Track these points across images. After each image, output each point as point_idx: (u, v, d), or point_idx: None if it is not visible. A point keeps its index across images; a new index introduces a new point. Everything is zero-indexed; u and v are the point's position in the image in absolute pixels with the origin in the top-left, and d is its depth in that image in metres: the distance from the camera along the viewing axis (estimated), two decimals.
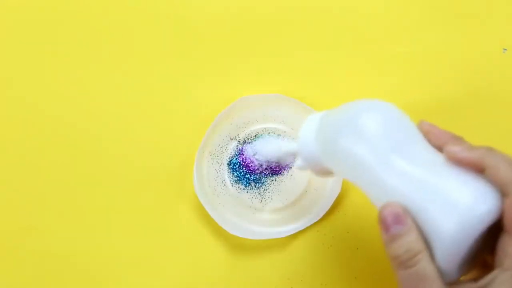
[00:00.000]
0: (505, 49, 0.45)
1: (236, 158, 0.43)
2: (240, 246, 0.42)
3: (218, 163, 0.43)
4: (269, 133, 0.44)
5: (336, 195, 0.42)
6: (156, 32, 0.46)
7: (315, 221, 0.42)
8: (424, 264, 0.26)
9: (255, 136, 0.44)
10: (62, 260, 0.43)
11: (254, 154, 0.43)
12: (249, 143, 0.44)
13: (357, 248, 0.42)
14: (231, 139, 0.44)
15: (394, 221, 0.27)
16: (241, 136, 0.44)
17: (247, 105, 0.44)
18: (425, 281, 0.26)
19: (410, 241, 0.27)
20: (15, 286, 0.43)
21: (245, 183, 0.43)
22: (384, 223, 0.28)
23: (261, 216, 0.43)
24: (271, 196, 0.43)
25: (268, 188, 0.43)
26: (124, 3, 0.47)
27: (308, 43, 0.46)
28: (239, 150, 0.43)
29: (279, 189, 0.43)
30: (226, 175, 0.43)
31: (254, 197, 0.43)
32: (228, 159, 0.43)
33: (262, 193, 0.43)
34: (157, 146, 0.44)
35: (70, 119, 0.45)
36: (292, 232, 0.41)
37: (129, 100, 0.45)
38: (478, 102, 0.45)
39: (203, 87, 0.45)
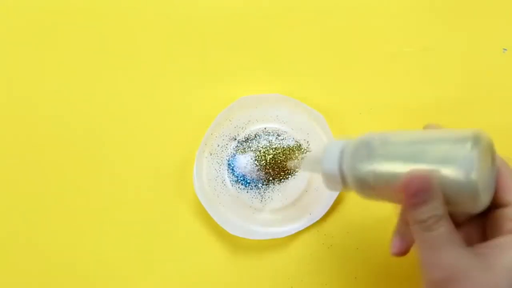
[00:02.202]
0: (505, 49, 0.45)
1: (235, 160, 0.43)
2: (240, 246, 0.42)
3: (218, 163, 0.43)
4: (269, 133, 0.44)
5: (336, 195, 0.42)
6: (155, 32, 0.46)
7: (315, 221, 0.42)
8: (445, 227, 0.28)
9: (255, 135, 0.44)
10: (61, 260, 0.43)
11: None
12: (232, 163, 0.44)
13: (357, 248, 0.42)
14: (231, 139, 0.44)
15: (420, 187, 0.27)
16: (241, 136, 0.44)
17: (247, 105, 0.44)
18: (444, 242, 0.28)
19: (435, 207, 0.27)
20: (15, 286, 0.43)
21: (245, 183, 0.43)
22: (409, 189, 0.28)
23: (261, 216, 0.43)
24: (271, 196, 0.43)
25: (268, 188, 0.43)
26: (124, 4, 0.47)
27: (308, 43, 0.46)
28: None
29: (279, 189, 0.43)
30: (226, 175, 0.43)
31: (254, 197, 0.43)
32: (228, 159, 0.43)
33: (262, 193, 0.43)
34: (157, 146, 0.44)
35: (71, 118, 0.45)
36: (292, 232, 0.41)
37: (129, 101, 0.45)
38: (478, 102, 0.45)
39: (203, 87, 0.45)
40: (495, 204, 0.29)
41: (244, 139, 0.44)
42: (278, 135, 0.44)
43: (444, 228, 0.28)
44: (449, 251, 0.27)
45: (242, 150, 0.43)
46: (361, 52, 0.46)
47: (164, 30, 0.46)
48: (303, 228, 0.42)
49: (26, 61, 0.46)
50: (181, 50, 0.46)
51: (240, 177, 0.43)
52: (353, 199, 0.43)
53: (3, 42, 0.47)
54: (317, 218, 0.42)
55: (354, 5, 0.46)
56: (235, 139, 0.44)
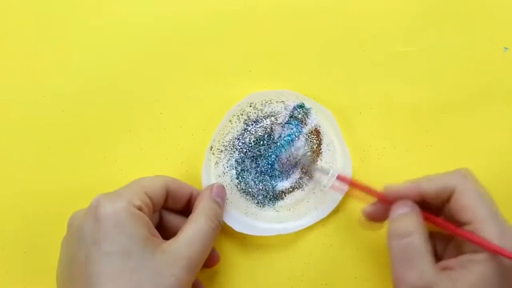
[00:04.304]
0: (506, 48, 0.45)
1: (248, 156, 0.44)
2: (240, 245, 0.43)
3: (226, 160, 0.44)
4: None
5: (342, 195, 0.42)
6: (163, 29, 0.46)
7: (318, 219, 0.42)
8: (416, 239, 0.32)
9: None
10: None
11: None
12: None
13: (357, 248, 0.42)
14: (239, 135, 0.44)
15: (401, 204, 0.34)
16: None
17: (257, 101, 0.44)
18: (415, 252, 0.32)
19: (410, 221, 0.33)
20: (16, 286, 0.43)
21: (251, 181, 0.44)
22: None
23: (265, 213, 0.43)
24: (278, 194, 0.43)
25: (275, 185, 0.43)
26: (126, 3, 0.47)
27: (308, 43, 0.46)
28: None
29: (286, 186, 0.43)
30: (234, 171, 0.44)
31: (260, 194, 0.43)
32: (236, 156, 0.44)
33: (268, 190, 0.43)
34: (167, 143, 0.45)
35: (76, 118, 0.45)
36: (296, 230, 0.42)
37: (138, 99, 0.45)
38: (479, 102, 0.45)
39: (212, 84, 0.45)
40: (460, 223, 0.33)
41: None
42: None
43: (413, 239, 0.32)
44: (420, 263, 0.31)
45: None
46: (361, 52, 0.46)
47: (171, 27, 0.46)
48: (305, 226, 0.42)
49: (26, 60, 0.46)
50: (190, 47, 0.46)
51: (248, 174, 0.44)
52: (354, 199, 0.43)
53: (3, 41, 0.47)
54: (322, 216, 0.42)
55: (354, 5, 0.46)
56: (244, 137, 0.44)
